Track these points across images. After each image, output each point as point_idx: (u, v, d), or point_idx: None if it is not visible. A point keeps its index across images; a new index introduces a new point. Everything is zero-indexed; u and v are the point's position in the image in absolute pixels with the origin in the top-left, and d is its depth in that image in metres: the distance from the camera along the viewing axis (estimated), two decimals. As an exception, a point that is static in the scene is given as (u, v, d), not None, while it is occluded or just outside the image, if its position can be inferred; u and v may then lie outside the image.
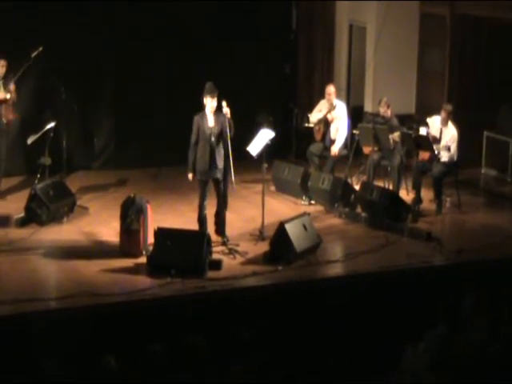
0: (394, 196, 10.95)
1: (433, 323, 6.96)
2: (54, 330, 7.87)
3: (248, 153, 10.04)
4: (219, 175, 9.59)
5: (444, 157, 11.10)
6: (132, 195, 9.61)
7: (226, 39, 12.99)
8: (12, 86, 10.71)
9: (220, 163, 9.53)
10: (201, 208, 9.69)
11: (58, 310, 8.15)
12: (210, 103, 9.45)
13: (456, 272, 9.46)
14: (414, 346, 6.78)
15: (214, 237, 9.67)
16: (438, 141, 11.14)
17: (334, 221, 10.94)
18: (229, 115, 9.48)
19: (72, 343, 7.74)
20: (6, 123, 10.85)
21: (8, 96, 10.69)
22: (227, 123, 9.43)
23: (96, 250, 9.64)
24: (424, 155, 11.28)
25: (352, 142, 12.04)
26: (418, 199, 11.23)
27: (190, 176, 9.70)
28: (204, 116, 9.52)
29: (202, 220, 9.71)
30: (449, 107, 11.25)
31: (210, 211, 9.79)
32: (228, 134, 9.44)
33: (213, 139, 9.49)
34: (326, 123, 11.99)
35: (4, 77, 10.74)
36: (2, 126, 10.83)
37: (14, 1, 11.68)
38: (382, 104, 11.67)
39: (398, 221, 10.55)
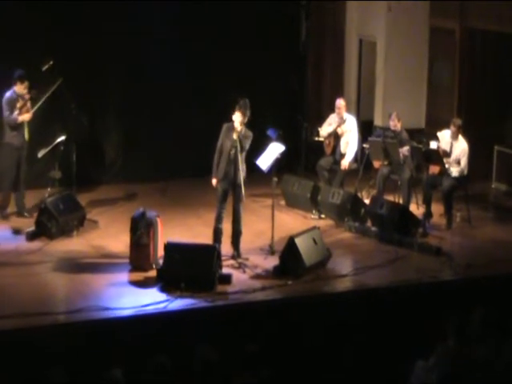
0: (403, 210, 10.96)
1: (442, 338, 6.95)
2: (62, 344, 7.89)
3: (258, 166, 10.08)
4: (233, 187, 9.64)
5: (454, 171, 11.10)
6: (142, 209, 9.65)
7: (235, 52, 13.06)
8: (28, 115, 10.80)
9: (236, 175, 9.57)
10: (216, 219, 9.75)
11: (66, 324, 8.17)
12: (236, 117, 9.57)
13: (465, 287, 9.45)
14: (423, 361, 6.77)
15: (227, 249, 9.70)
16: (448, 155, 11.15)
17: (344, 235, 10.95)
18: (238, 129, 9.54)
19: (80, 357, 7.77)
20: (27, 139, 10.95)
21: (27, 117, 10.79)
22: (238, 138, 9.51)
23: (105, 264, 9.67)
24: (434, 169, 11.27)
25: (362, 156, 12.06)
26: (428, 213, 11.22)
27: (214, 182, 9.76)
28: (231, 127, 9.62)
29: (215, 232, 9.75)
30: (458, 121, 11.27)
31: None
32: (238, 148, 9.49)
33: (233, 151, 9.56)
34: (335, 137, 12.01)
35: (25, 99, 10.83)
36: (25, 143, 10.93)
37: (24, 16, 11.79)
38: (392, 117, 11.70)
39: (408, 235, 10.55)
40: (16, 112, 10.72)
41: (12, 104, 10.72)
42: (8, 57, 11.58)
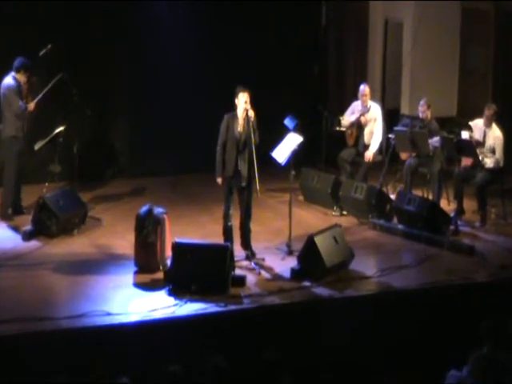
0: (433, 206, 10.92)
1: (477, 345, 6.91)
2: (64, 351, 7.91)
3: (274, 159, 10.06)
4: (244, 183, 9.62)
5: (489, 162, 11.04)
6: (148, 205, 9.64)
7: (252, 38, 13.10)
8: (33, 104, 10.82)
9: (245, 170, 9.56)
10: (225, 218, 9.74)
11: (68, 329, 8.18)
12: (241, 99, 9.49)
13: (500, 289, 9.41)
14: (457, 370, 6.73)
15: (238, 250, 9.70)
16: (481, 144, 11.08)
17: (368, 233, 10.95)
18: (253, 119, 9.51)
19: (83, 364, 7.78)
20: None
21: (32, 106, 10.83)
22: (251, 127, 9.48)
23: (110, 265, 9.69)
24: (467, 161, 11.26)
25: (387, 148, 12.03)
26: (459, 210, 11.19)
27: (220, 180, 9.72)
28: (235, 117, 9.57)
29: (226, 231, 9.75)
30: (494, 106, 11.24)
31: (235, 223, 9.84)
32: (252, 138, 9.46)
33: (241, 144, 9.54)
34: (359, 127, 12.01)
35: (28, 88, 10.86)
36: (24, 135, 10.94)
37: (34, 5, 11.86)
38: (421, 103, 11.65)
39: (438, 233, 10.52)
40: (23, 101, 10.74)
41: (18, 92, 10.69)
42: (10, 44, 11.66)
